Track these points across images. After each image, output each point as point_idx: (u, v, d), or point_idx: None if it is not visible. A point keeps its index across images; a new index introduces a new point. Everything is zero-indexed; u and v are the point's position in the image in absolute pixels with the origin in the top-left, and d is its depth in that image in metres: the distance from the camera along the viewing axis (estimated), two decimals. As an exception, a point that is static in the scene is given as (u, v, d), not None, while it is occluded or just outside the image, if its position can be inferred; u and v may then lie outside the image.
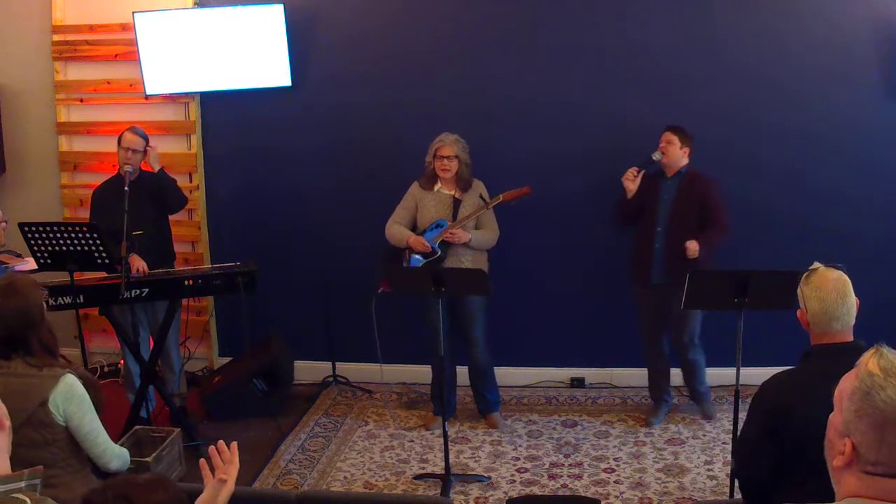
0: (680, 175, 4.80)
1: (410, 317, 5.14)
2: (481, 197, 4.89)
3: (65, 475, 2.88)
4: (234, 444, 2.28)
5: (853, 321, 2.57)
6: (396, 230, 4.92)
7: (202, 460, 2.23)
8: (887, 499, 1.36)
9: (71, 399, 2.86)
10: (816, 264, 2.64)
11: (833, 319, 2.53)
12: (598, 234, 5.32)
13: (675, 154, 4.77)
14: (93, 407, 2.94)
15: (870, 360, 1.40)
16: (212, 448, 2.25)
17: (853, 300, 2.57)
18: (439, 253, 4.84)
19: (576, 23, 5.25)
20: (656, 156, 4.79)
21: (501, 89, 5.33)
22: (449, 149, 4.82)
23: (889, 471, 1.35)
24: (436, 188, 4.93)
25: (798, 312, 2.64)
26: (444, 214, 4.89)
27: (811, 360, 2.56)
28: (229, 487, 2.18)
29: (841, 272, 2.59)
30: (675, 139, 4.76)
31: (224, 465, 2.22)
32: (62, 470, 2.89)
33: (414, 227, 4.95)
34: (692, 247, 4.57)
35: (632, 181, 4.80)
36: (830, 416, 1.46)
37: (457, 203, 4.90)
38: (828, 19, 5.03)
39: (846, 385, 1.42)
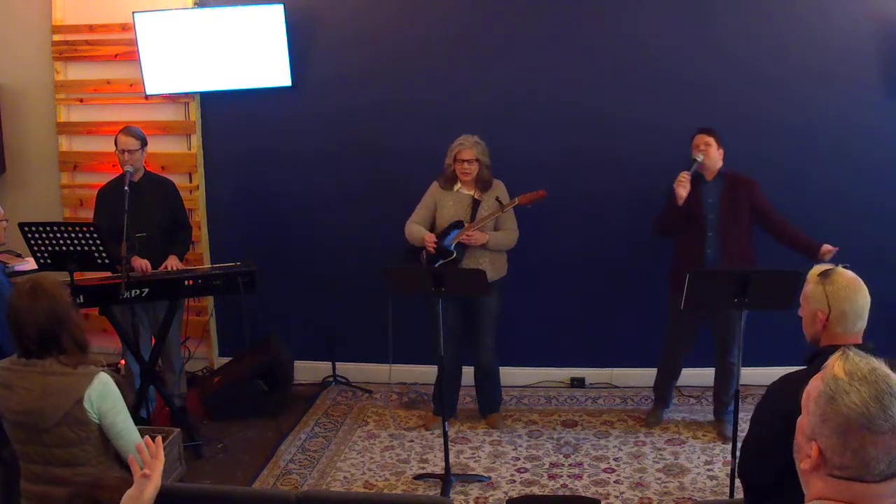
0: (720, 177, 4.71)
1: (411, 317, 5.14)
2: (497, 199, 4.86)
3: (97, 473, 2.88)
4: (159, 438, 2.30)
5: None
6: (415, 229, 4.90)
7: (130, 457, 2.25)
8: (853, 502, 1.36)
9: (106, 397, 2.87)
10: (825, 265, 2.60)
11: (859, 318, 2.52)
12: (600, 234, 5.33)
13: (714, 155, 4.68)
14: (125, 405, 2.96)
15: (836, 364, 1.41)
16: (139, 444, 2.27)
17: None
18: (455, 254, 4.83)
19: (576, 23, 5.24)
20: (699, 157, 4.64)
21: (502, 89, 5.33)
22: (469, 152, 4.79)
23: (854, 474, 1.35)
24: (455, 188, 4.91)
25: (809, 312, 2.58)
26: (463, 215, 4.86)
27: (821, 362, 2.54)
28: (155, 482, 2.19)
29: (852, 272, 2.57)
30: (713, 140, 4.66)
31: (150, 460, 2.22)
32: (94, 468, 2.89)
33: (433, 227, 4.94)
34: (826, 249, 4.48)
35: (684, 186, 4.61)
36: (798, 418, 1.46)
37: (476, 204, 4.87)
38: (828, 19, 5.03)
39: (813, 388, 1.43)
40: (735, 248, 4.65)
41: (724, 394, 4.84)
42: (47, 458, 2.86)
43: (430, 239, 4.81)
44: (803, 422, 1.44)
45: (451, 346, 4.81)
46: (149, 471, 2.20)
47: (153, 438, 2.33)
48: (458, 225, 4.84)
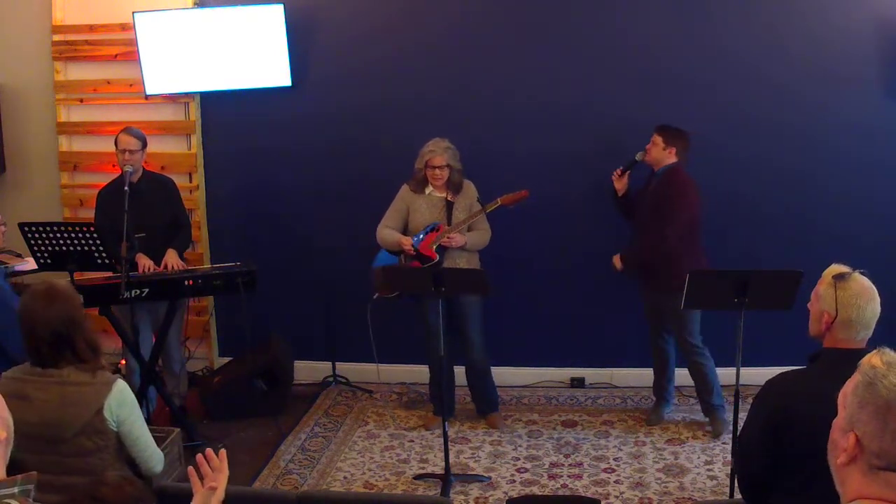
0: (661, 174, 4.79)
1: (410, 317, 5.14)
2: (479, 200, 4.87)
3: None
4: (223, 452, 2.28)
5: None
6: (387, 234, 4.92)
7: (190, 468, 2.23)
8: (894, 499, 1.35)
9: (123, 404, 2.87)
10: (843, 267, 2.57)
11: (863, 328, 2.50)
12: (598, 233, 5.32)
13: (658, 154, 4.76)
14: (141, 412, 2.96)
15: (872, 357, 1.43)
16: (199, 456, 2.25)
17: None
18: (437, 257, 4.84)
19: (576, 23, 5.25)
20: (638, 156, 4.85)
21: (501, 89, 5.33)
22: (440, 158, 4.80)
23: (893, 461, 1.34)
24: (427, 191, 4.92)
25: (817, 311, 2.58)
26: (438, 217, 4.88)
27: (821, 363, 2.54)
28: (219, 496, 2.18)
29: (868, 280, 2.55)
30: (659, 140, 4.76)
31: (213, 472, 2.21)
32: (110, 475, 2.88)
33: (405, 231, 4.95)
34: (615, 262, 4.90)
35: (618, 180, 4.92)
36: (835, 419, 1.46)
37: (450, 206, 4.89)
38: (828, 19, 5.03)
39: (850, 384, 1.44)
40: (649, 243, 4.74)
41: (705, 393, 4.88)
42: (63, 467, 2.82)
43: (407, 243, 4.83)
44: (840, 417, 1.44)
45: (442, 345, 4.83)
46: (214, 484, 2.18)
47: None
48: (434, 227, 4.85)
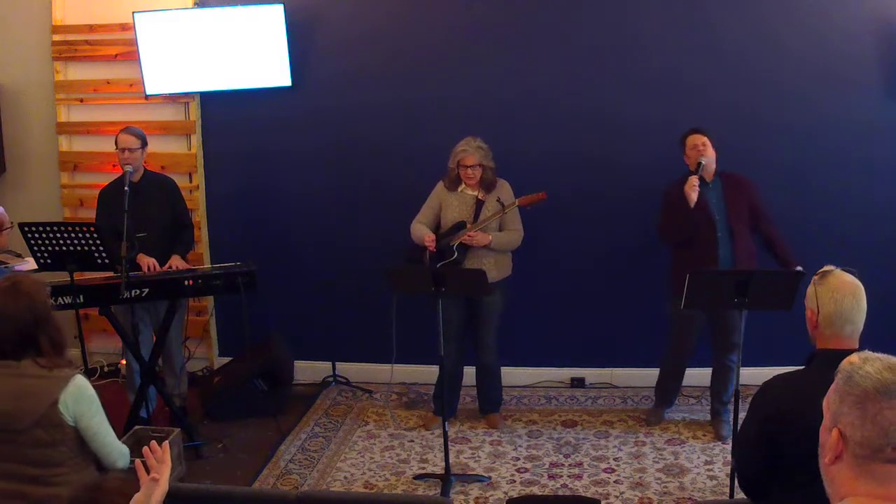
0: (718, 177, 4.71)
1: (412, 317, 5.14)
2: (498, 200, 4.86)
3: (71, 473, 2.90)
4: (166, 444, 2.34)
5: (862, 327, 2.55)
6: (418, 229, 4.92)
7: (137, 461, 2.28)
8: (886, 496, 1.36)
9: (81, 400, 2.88)
10: (830, 266, 2.60)
11: (847, 322, 2.51)
12: (599, 234, 5.33)
13: (712, 155, 4.66)
14: (101, 407, 2.95)
15: (851, 357, 1.50)
16: (145, 449, 2.30)
17: (866, 306, 2.54)
18: (455, 255, 4.84)
19: (577, 23, 5.25)
20: (703, 160, 4.61)
21: (502, 89, 5.33)
22: (472, 158, 4.79)
23: (876, 445, 1.37)
24: (460, 189, 4.91)
25: (808, 313, 2.60)
26: (466, 215, 4.87)
27: (815, 365, 2.54)
28: (162, 486, 2.23)
29: (854, 277, 2.56)
30: (708, 140, 4.65)
31: (157, 464, 2.26)
32: (69, 468, 2.90)
33: (438, 227, 4.95)
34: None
35: (696, 190, 4.58)
36: (822, 424, 1.49)
37: (479, 204, 4.88)
38: (828, 19, 5.03)
39: (832, 386, 1.49)
40: (745, 247, 4.66)
41: (725, 393, 4.84)
42: (20, 457, 2.86)
43: (430, 239, 4.83)
44: (825, 419, 1.48)
45: (453, 345, 4.83)
46: (157, 475, 2.23)
47: (159, 442, 2.34)
48: (460, 226, 4.85)
